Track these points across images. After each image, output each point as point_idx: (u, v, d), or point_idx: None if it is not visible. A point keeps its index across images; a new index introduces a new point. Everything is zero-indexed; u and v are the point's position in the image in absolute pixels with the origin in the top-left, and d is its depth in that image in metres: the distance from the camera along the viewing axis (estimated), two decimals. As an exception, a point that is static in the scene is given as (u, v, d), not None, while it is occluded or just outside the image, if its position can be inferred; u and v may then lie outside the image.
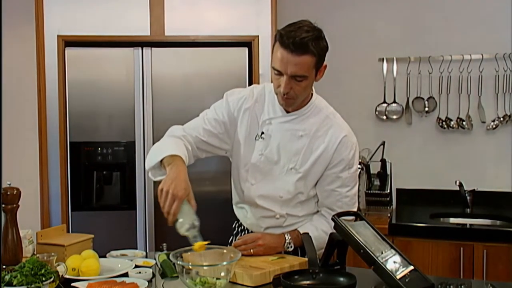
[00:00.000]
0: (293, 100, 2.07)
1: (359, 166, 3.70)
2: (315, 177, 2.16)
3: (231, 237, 2.42)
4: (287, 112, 2.15)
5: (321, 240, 2.09)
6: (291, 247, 2.13)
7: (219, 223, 2.62)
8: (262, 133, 2.17)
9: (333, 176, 2.15)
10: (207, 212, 3.28)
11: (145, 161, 2.16)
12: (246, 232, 2.33)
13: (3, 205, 1.96)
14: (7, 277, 1.68)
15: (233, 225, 2.43)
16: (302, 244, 2.08)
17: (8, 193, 1.97)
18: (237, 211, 2.37)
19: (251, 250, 2.07)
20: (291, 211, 2.20)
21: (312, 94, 2.19)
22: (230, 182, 2.35)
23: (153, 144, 3.25)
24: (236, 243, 2.11)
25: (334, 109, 2.27)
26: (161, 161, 2.01)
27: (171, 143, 2.11)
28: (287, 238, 2.13)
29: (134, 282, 1.87)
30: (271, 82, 2.11)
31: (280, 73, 2.00)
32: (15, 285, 1.65)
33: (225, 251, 1.90)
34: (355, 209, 2.17)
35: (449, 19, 3.81)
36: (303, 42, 1.95)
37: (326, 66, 2.11)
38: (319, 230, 2.15)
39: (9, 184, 2.00)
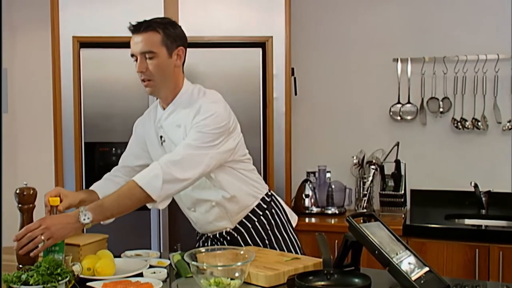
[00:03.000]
0: (152, 82, 2.18)
1: (373, 167, 3.71)
2: None
3: (196, 242, 2.47)
4: (164, 109, 2.27)
5: (144, 180, 2.03)
6: (88, 218, 1.94)
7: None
8: (161, 137, 2.29)
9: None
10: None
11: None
12: (205, 236, 2.39)
13: (20, 205, 1.98)
14: (23, 277, 1.69)
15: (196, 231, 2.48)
16: (102, 215, 2.01)
17: (25, 193, 1.98)
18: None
19: (42, 237, 1.87)
20: (218, 193, 2.24)
21: (183, 85, 2.26)
22: None
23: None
24: (18, 235, 1.90)
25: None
26: None
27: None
28: (81, 210, 1.95)
29: (148, 282, 1.88)
30: None
31: (135, 58, 2.18)
32: (31, 284, 1.67)
33: (240, 252, 1.90)
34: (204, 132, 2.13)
35: (464, 19, 3.79)
36: (145, 21, 2.17)
37: (183, 49, 2.22)
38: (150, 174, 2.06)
39: (26, 185, 2.02)
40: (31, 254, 1.89)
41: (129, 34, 3.31)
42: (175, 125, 2.22)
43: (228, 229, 2.32)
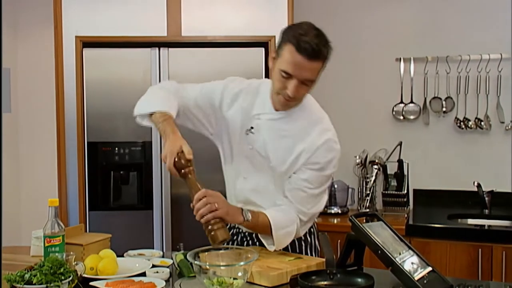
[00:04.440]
0: (294, 102, 2.09)
1: (375, 166, 3.71)
2: None
3: None
4: (276, 110, 2.14)
5: (281, 221, 2.07)
6: (249, 218, 2.02)
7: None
8: (252, 127, 2.17)
9: (302, 168, 2.11)
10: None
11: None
12: (240, 233, 2.30)
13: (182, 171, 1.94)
14: (26, 276, 1.69)
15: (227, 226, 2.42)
16: (257, 224, 2.06)
17: (176, 159, 1.92)
18: None
19: (216, 205, 1.93)
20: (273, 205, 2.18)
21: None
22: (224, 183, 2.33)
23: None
24: (197, 196, 1.93)
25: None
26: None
27: (163, 97, 2.14)
28: (245, 210, 2.05)
29: (151, 282, 1.88)
30: (273, 82, 2.08)
31: (289, 76, 1.99)
32: (34, 284, 1.67)
33: (243, 251, 1.90)
34: (310, 212, 2.13)
35: (467, 18, 3.78)
36: (319, 48, 1.95)
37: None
38: (283, 212, 2.11)
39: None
40: (202, 219, 1.92)
41: (131, 34, 3.36)
42: (280, 134, 2.12)
43: None
